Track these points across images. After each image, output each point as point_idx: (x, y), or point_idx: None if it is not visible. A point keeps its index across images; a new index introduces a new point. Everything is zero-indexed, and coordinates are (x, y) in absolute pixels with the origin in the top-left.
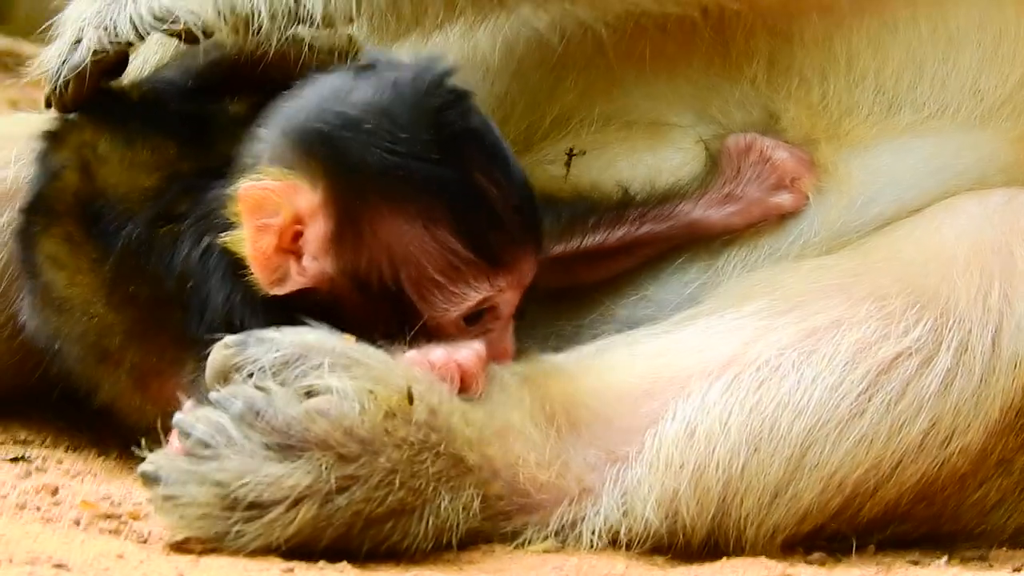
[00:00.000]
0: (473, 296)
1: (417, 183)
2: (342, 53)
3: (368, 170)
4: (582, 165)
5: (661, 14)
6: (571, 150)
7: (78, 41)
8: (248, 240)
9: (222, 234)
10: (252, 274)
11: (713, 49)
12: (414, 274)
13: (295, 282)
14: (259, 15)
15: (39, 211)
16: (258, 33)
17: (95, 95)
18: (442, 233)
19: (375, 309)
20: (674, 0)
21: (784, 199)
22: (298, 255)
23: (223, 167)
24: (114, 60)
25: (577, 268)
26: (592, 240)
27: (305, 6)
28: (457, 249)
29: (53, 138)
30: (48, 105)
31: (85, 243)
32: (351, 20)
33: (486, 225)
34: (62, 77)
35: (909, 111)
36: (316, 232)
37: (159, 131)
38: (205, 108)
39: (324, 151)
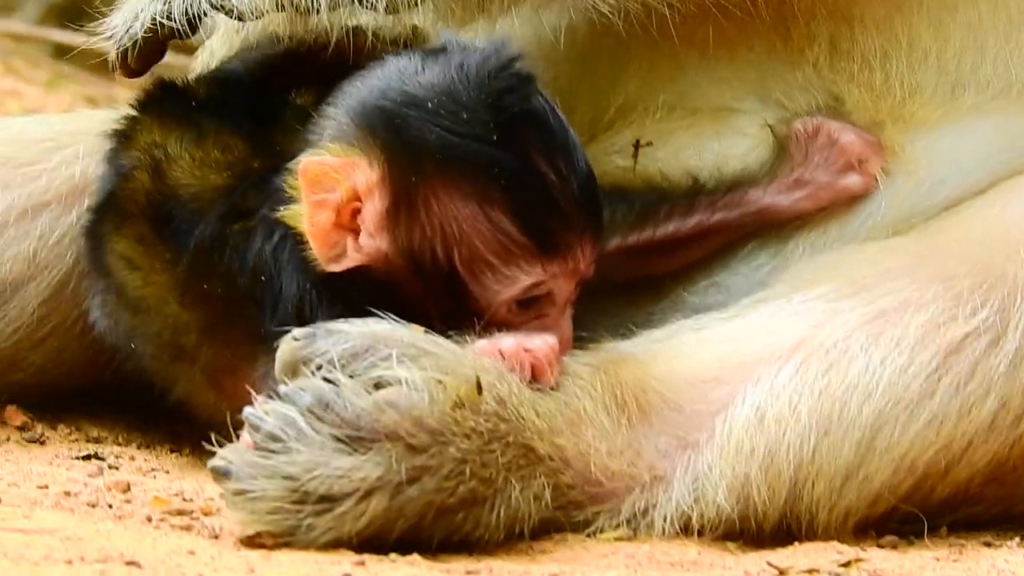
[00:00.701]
0: (524, 280)
1: (474, 163)
2: (408, 43)
3: (425, 148)
4: (649, 155)
5: None
6: (638, 141)
7: (137, 14)
8: (306, 215)
9: (264, 208)
10: (311, 250)
11: (775, 32)
12: (466, 254)
13: (352, 259)
14: (318, 3)
15: (110, 211)
16: (317, 20)
17: (163, 87)
18: (496, 214)
19: (429, 289)
20: None
21: (853, 182)
22: (356, 232)
23: (292, 160)
24: (165, 40)
25: (651, 258)
26: (665, 230)
27: None
28: (510, 231)
29: (122, 137)
30: (114, 69)
31: (158, 243)
32: (415, 6)
33: (541, 209)
34: (120, 47)
35: (973, 91)
36: (373, 209)
37: (228, 128)
38: (272, 101)
39: (383, 128)
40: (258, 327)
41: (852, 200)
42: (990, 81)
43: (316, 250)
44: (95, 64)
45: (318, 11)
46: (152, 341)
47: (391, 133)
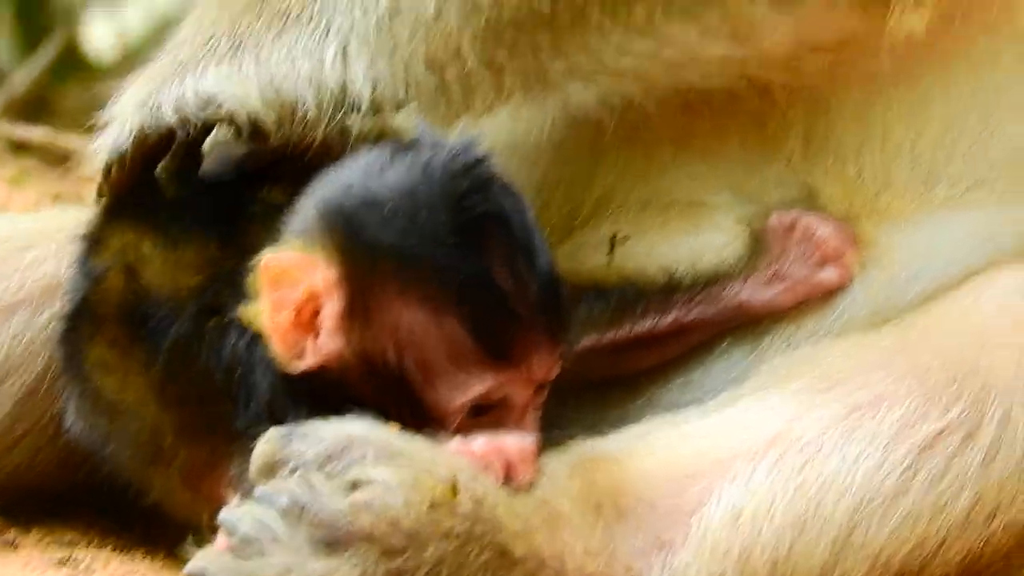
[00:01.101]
0: (476, 387)
1: (428, 267)
2: (381, 138)
3: (380, 249)
4: (625, 250)
5: (703, 88)
6: (614, 236)
7: (123, 126)
8: (267, 313)
9: (241, 305)
10: (272, 349)
11: (750, 127)
12: (417, 359)
13: (312, 359)
14: (305, 103)
15: (84, 317)
16: (304, 121)
17: (135, 188)
18: (448, 320)
19: (385, 393)
20: (719, 74)
21: (830, 275)
22: (316, 332)
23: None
24: (156, 143)
25: (627, 355)
26: (641, 327)
27: (352, 92)
28: (461, 338)
29: (92, 240)
30: (100, 194)
31: (133, 346)
32: (399, 105)
33: (495, 316)
34: (106, 162)
35: (947, 184)
36: (332, 309)
37: (200, 228)
38: (245, 198)
39: (342, 227)
40: (233, 426)
41: (829, 293)
42: (964, 174)
43: (276, 349)
44: (60, 160)
45: (304, 109)
46: (129, 444)
47: (348, 233)
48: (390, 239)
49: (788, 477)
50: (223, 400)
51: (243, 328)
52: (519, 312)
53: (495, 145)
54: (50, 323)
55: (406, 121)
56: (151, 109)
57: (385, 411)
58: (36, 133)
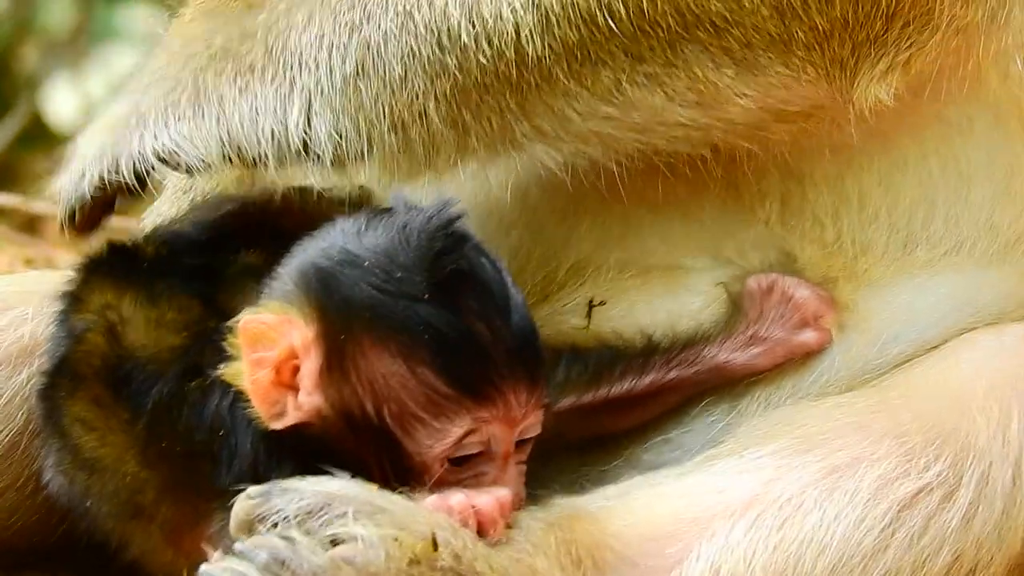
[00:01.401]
0: (455, 431)
1: (401, 321)
2: (355, 203)
3: (354, 306)
4: (602, 313)
5: (672, 153)
6: (591, 301)
7: (84, 173)
8: (246, 372)
9: (220, 366)
10: (253, 407)
11: (725, 191)
12: (395, 410)
13: (292, 416)
14: (264, 158)
15: (64, 374)
16: (264, 174)
17: (113, 248)
18: (422, 370)
19: (366, 447)
20: (685, 140)
21: (808, 337)
22: (296, 390)
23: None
24: (114, 194)
25: (605, 416)
26: (620, 388)
27: (314, 148)
28: (436, 385)
29: (72, 299)
30: (62, 229)
31: (115, 405)
32: (362, 161)
33: (468, 361)
34: (68, 207)
35: (925, 248)
36: (310, 367)
37: (180, 289)
38: (220, 261)
39: (317, 285)
40: (215, 483)
41: (807, 356)
42: (942, 238)
43: (257, 407)
44: (31, 225)
45: (265, 164)
46: (108, 500)
47: (323, 291)
48: (365, 295)
49: (767, 535)
50: (205, 458)
51: (225, 388)
52: (493, 355)
53: (469, 211)
54: (28, 383)
55: (369, 179)
56: (110, 163)
57: (367, 465)
58: (6, 200)
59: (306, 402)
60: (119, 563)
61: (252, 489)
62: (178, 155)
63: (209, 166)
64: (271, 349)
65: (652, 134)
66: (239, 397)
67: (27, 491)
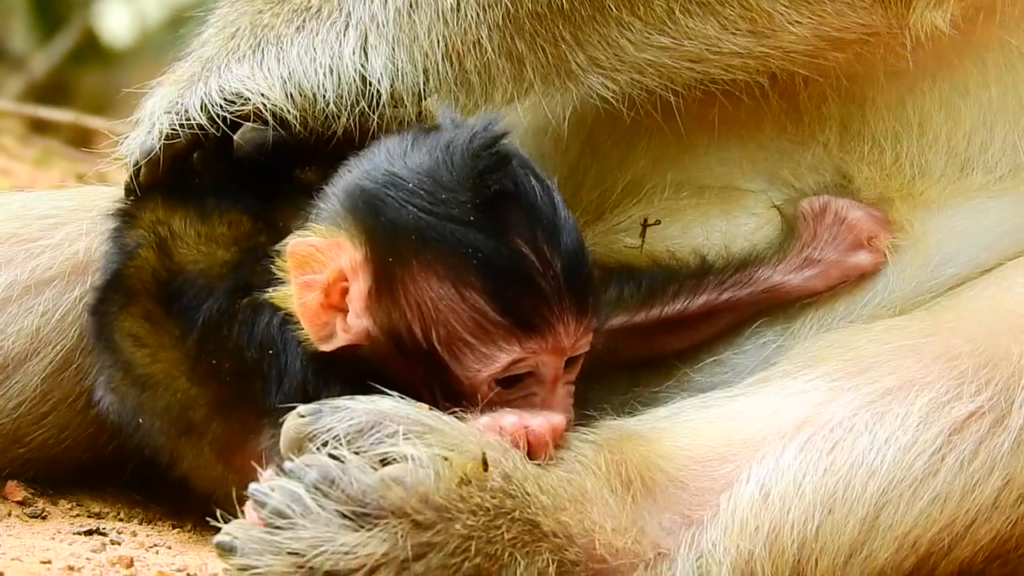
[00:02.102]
0: (503, 358)
1: (450, 243)
2: (411, 123)
3: (403, 229)
4: (657, 233)
5: (730, 81)
6: (646, 220)
7: (152, 126)
8: (295, 295)
9: (269, 289)
10: (303, 330)
11: (785, 115)
12: (443, 334)
13: (341, 339)
14: (326, 96)
15: (116, 290)
16: (325, 114)
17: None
18: (471, 294)
19: (414, 369)
20: (742, 68)
21: (862, 259)
22: (345, 312)
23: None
24: (186, 145)
25: (658, 337)
26: (672, 308)
27: (372, 86)
28: (485, 311)
29: (126, 216)
30: (128, 193)
31: (166, 320)
32: (421, 97)
33: (517, 288)
34: (135, 162)
35: (981, 172)
36: (359, 289)
37: (232, 204)
38: (275, 179)
39: (365, 209)
40: (265, 401)
41: (861, 277)
42: (999, 162)
43: (307, 330)
44: (83, 140)
45: (326, 100)
46: (160, 416)
47: (370, 213)
48: (411, 218)
49: (817, 458)
50: (255, 376)
51: (275, 307)
52: (540, 284)
53: (525, 128)
54: (81, 300)
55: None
56: (179, 112)
57: (415, 387)
58: (60, 115)
59: (355, 324)
60: (168, 481)
61: (303, 408)
62: (242, 95)
63: (274, 107)
64: (320, 272)
65: (707, 63)
66: (288, 318)
67: (78, 407)
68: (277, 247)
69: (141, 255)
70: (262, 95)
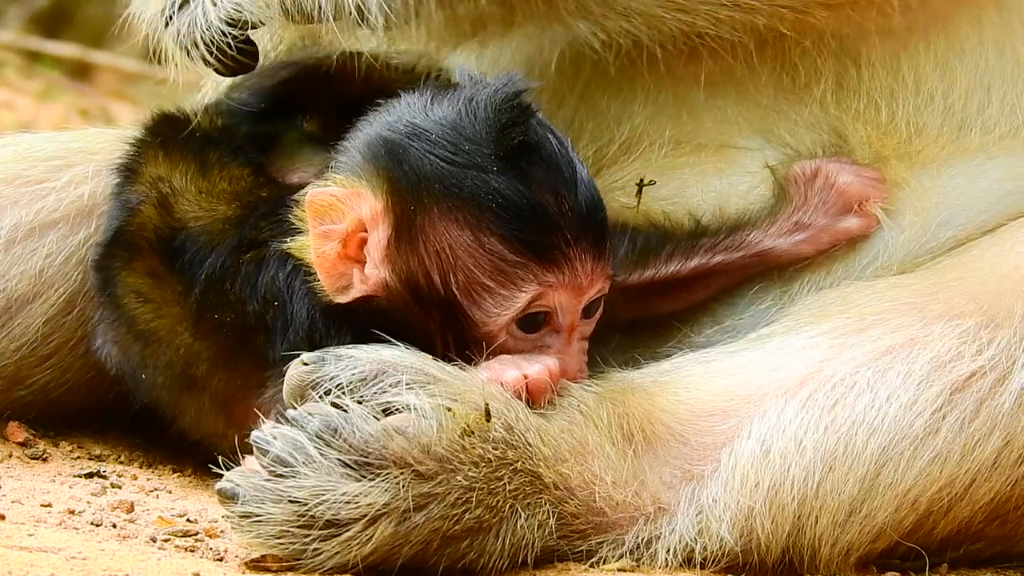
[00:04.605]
0: (522, 296)
1: (470, 191)
2: (419, 72)
3: (423, 177)
4: (652, 192)
5: (718, 37)
6: (642, 180)
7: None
8: (313, 246)
9: (275, 238)
10: (318, 281)
11: (782, 70)
12: (463, 279)
13: (358, 290)
14: (323, 13)
15: (119, 246)
16: (319, 29)
17: (167, 120)
18: (490, 239)
19: (433, 317)
20: (729, 22)
21: (852, 224)
22: (362, 263)
23: (297, 190)
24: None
25: (653, 298)
26: (666, 271)
27: (367, 15)
28: (504, 253)
29: (127, 171)
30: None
31: (169, 276)
32: (406, 23)
33: (536, 227)
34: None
35: (979, 132)
36: (378, 239)
37: (233, 158)
38: (276, 128)
39: (386, 158)
40: (268, 354)
41: (853, 242)
42: (996, 123)
43: (323, 281)
44: (87, 74)
45: (324, 20)
46: (162, 371)
47: (392, 163)
48: (434, 167)
49: (819, 415)
50: (258, 329)
51: (281, 259)
52: (558, 221)
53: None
54: (86, 244)
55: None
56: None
57: (429, 337)
58: (63, 49)
59: (373, 275)
60: (167, 425)
61: (306, 355)
62: (241, 13)
63: (272, 21)
64: (339, 222)
65: (695, 14)
66: (299, 269)
67: (80, 351)
68: (295, 196)
69: (143, 212)
70: (262, 13)
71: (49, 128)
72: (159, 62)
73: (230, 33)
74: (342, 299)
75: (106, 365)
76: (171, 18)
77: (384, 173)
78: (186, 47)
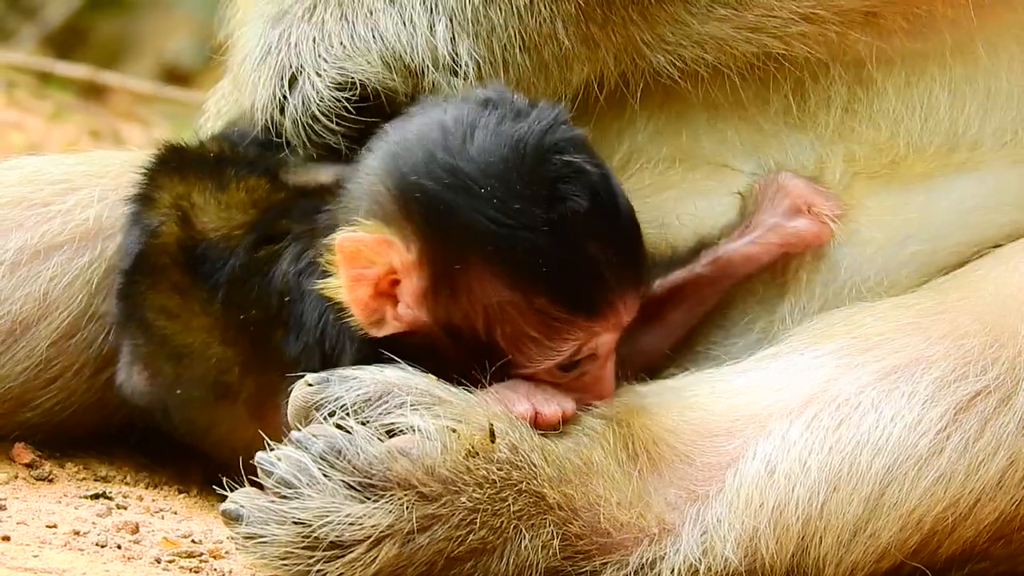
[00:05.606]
0: (568, 348)
1: (521, 252)
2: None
3: (471, 237)
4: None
5: (782, 56)
6: None
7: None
8: (345, 288)
9: (318, 282)
10: (350, 317)
11: (791, 96)
12: (509, 331)
13: (392, 326)
14: (425, 67)
15: (142, 271)
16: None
17: (177, 149)
18: (540, 298)
19: (468, 356)
20: (800, 36)
21: (800, 224)
22: (395, 300)
23: (316, 196)
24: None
25: (637, 337)
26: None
27: (460, 66)
28: (553, 311)
29: (144, 199)
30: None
31: (193, 287)
32: (494, 68)
33: (584, 285)
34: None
35: (966, 149)
36: (411, 286)
37: (251, 172)
38: (280, 154)
39: (423, 212)
40: (285, 351)
41: (805, 246)
42: (985, 138)
43: (357, 318)
44: (98, 95)
45: (419, 68)
46: (197, 385)
47: (431, 218)
48: (483, 227)
49: (823, 435)
50: (276, 325)
51: (295, 257)
52: (606, 275)
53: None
54: (91, 267)
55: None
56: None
57: (465, 367)
58: (74, 70)
59: (406, 314)
60: (172, 445)
61: (310, 376)
62: (346, 75)
63: (375, 77)
64: (369, 267)
65: (763, 32)
66: (310, 268)
67: (85, 374)
68: (325, 241)
69: (164, 231)
70: (365, 72)
71: (59, 149)
72: (286, 145)
73: (343, 97)
74: (376, 334)
75: (133, 400)
76: (285, 99)
77: (421, 225)
78: (307, 124)
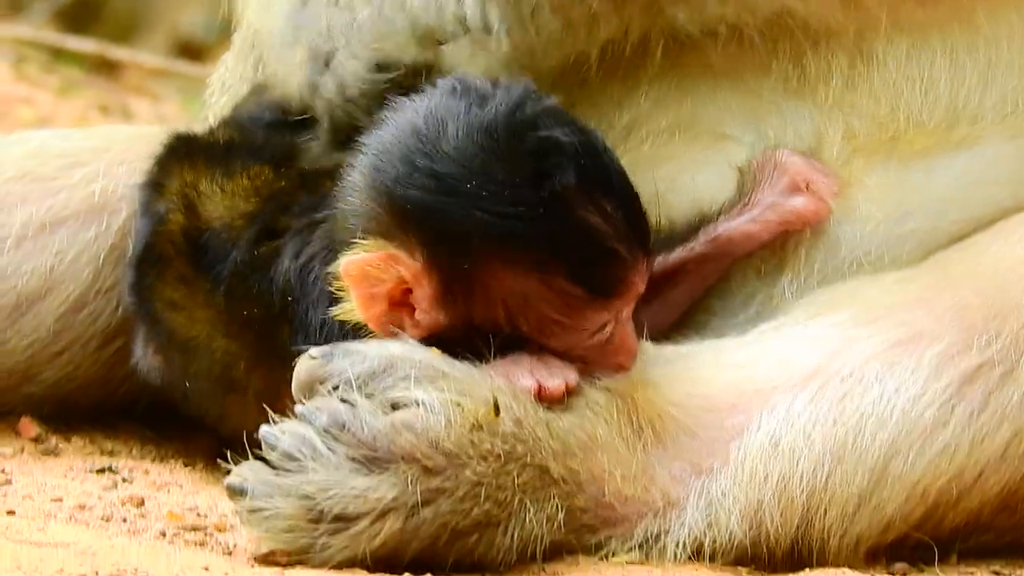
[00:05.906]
0: (595, 327)
1: (525, 239)
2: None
3: (472, 234)
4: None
5: (803, 18)
6: None
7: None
8: (360, 309)
9: (331, 308)
10: (371, 335)
11: (791, 66)
12: (533, 318)
13: (414, 334)
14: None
15: (150, 261)
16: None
17: (187, 137)
18: (558, 281)
19: (490, 342)
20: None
21: (798, 202)
22: (411, 308)
23: (316, 184)
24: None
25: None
26: None
27: (493, 31)
28: (574, 292)
29: (155, 186)
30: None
31: (197, 278)
32: (525, 31)
33: (599, 263)
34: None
35: (966, 123)
36: (423, 292)
37: (256, 159)
38: (289, 135)
39: (419, 221)
40: (293, 347)
41: (803, 224)
42: (985, 114)
43: (378, 334)
44: (108, 70)
45: (450, 36)
46: (204, 378)
47: (429, 225)
48: (480, 222)
49: (828, 408)
50: (282, 322)
51: (296, 253)
52: (617, 249)
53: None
54: (96, 240)
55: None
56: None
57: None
58: (85, 44)
59: (424, 319)
60: (178, 419)
61: (314, 350)
62: (382, 53)
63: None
64: (379, 285)
65: None
66: (311, 262)
67: (91, 348)
68: (330, 268)
69: (170, 219)
70: (397, 52)
71: (67, 124)
72: (312, 128)
73: (378, 78)
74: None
75: (149, 380)
76: (317, 83)
77: (418, 235)
78: (341, 107)
